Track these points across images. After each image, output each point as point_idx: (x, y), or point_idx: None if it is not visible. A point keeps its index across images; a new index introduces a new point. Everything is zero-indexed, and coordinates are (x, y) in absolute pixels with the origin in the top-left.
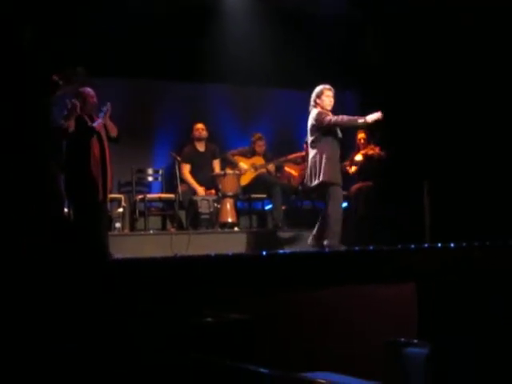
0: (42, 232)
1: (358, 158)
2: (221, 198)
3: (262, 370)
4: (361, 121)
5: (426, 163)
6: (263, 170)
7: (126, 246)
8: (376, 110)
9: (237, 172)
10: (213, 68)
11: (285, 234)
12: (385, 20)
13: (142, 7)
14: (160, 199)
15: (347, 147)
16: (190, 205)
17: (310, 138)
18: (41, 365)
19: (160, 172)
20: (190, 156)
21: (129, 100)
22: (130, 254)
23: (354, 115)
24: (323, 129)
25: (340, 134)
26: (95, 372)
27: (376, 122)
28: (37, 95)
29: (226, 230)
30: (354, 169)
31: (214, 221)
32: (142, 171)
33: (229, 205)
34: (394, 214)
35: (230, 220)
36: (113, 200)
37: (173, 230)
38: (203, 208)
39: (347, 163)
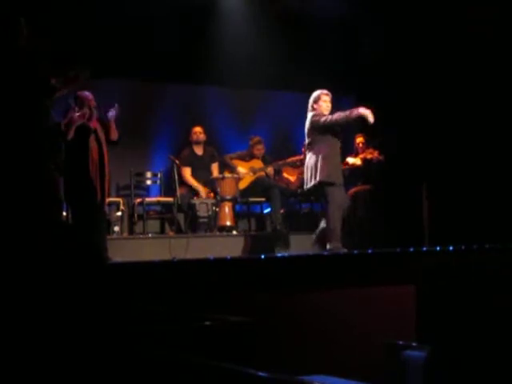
0: (41, 236)
1: (357, 161)
2: (219, 202)
3: (261, 373)
4: (355, 113)
5: (425, 166)
6: (262, 174)
7: (124, 249)
8: (373, 114)
9: (235, 175)
10: (211, 71)
11: (283, 237)
12: (383, 22)
13: (141, 9)
14: (158, 202)
15: (346, 151)
16: (189, 208)
17: (307, 141)
18: (37, 367)
19: (158, 175)
20: (188, 159)
21: (127, 102)
22: (128, 258)
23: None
24: (320, 129)
25: (339, 134)
26: (94, 375)
27: (364, 120)
28: (36, 97)
29: (225, 233)
30: (347, 166)
31: (212, 224)
32: (141, 174)
33: (227, 208)
34: (393, 217)
35: (228, 223)
36: (111, 203)
37: (171, 233)
38: (202, 211)
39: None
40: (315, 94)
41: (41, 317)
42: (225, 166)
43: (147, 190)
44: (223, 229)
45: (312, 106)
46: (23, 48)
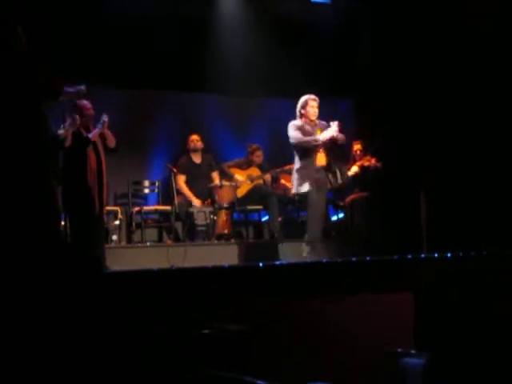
0: (39, 247)
1: (354, 169)
2: (217, 210)
3: (259, 381)
4: (314, 142)
5: (423, 173)
6: (259, 182)
7: (122, 258)
8: (371, 119)
9: (233, 183)
10: (208, 78)
11: (281, 245)
12: (379, 28)
13: (138, 18)
14: (156, 211)
15: (343, 158)
16: (187, 216)
17: None
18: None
19: (156, 184)
20: (185, 167)
21: (124, 111)
22: (126, 267)
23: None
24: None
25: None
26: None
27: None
28: (34, 104)
29: (223, 241)
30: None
31: (210, 232)
32: (139, 183)
33: (225, 216)
34: (391, 224)
35: (226, 231)
36: (109, 212)
37: (169, 241)
38: (200, 220)
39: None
40: (302, 99)
41: (39, 326)
42: (223, 174)
43: (145, 199)
44: (221, 237)
45: (300, 112)
46: (22, 55)
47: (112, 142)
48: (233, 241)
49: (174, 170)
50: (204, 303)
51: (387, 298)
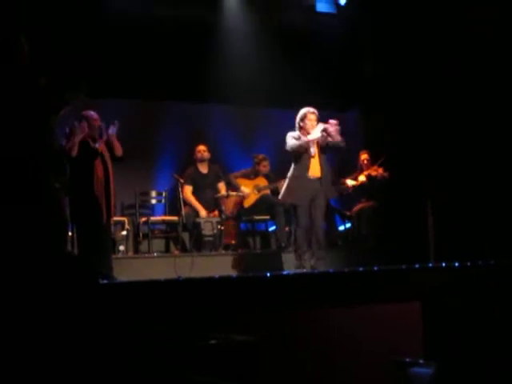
0: (44, 262)
1: (361, 178)
2: (224, 220)
3: None
4: (305, 145)
5: (430, 182)
6: (266, 192)
7: (130, 268)
8: (377, 129)
9: (240, 194)
10: (214, 89)
11: (289, 255)
12: (384, 36)
13: (144, 28)
14: (163, 221)
15: (350, 167)
16: (194, 227)
17: None
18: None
19: (163, 194)
20: (192, 177)
21: (130, 121)
22: (134, 277)
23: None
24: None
25: (312, 153)
26: None
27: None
28: (39, 115)
29: (230, 251)
30: (351, 183)
31: (217, 243)
32: (146, 194)
33: (232, 226)
34: (398, 233)
35: (233, 242)
36: (116, 223)
37: (176, 252)
38: (207, 230)
39: (349, 182)
40: (302, 112)
41: (37, 335)
42: (229, 185)
43: (152, 209)
44: (228, 247)
45: (298, 124)
46: (25, 65)
47: (119, 151)
48: (240, 251)
49: (181, 180)
50: (211, 313)
51: (395, 307)
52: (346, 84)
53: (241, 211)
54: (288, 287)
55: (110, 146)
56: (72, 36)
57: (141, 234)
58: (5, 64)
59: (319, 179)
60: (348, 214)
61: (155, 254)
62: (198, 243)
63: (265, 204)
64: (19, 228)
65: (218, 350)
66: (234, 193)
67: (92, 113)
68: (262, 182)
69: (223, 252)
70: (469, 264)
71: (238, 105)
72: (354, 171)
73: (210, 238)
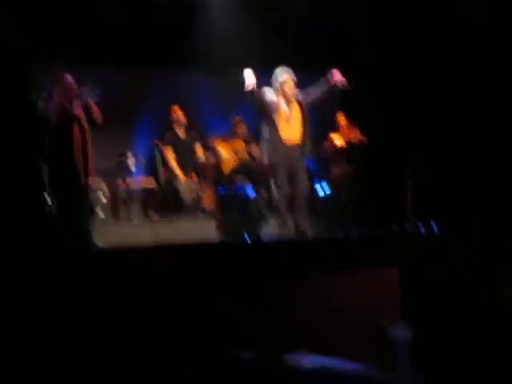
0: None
1: (339, 141)
2: (203, 185)
3: (249, 353)
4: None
5: (409, 147)
6: (245, 156)
7: (109, 234)
8: (357, 96)
9: (219, 159)
10: (193, 53)
11: (268, 221)
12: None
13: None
14: (142, 186)
15: (327, 128)
16: (172, 191)
17: None
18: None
19: (142, 159)
20: (170, 141)
21: (109, 87)
22: (113, 243)
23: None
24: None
25: (284, 112)
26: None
27: None
28: (21, 87)
29: (209, 216)
30: (330, 146)
31: (196, 207)
32: (123, 156)
33: (211, 191)
34: (376, 199)
35: (212, 207)
36: (94, 187)
37: (155, 216)
38: (185, 194)
39: (327, 144)
40: (280, 74)
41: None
42: (208, 149)
43: (131, 174)
44: (207, 212)
45: (274, 85)
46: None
47: (98, 116)
48: (219, 216)
49: (160, 144)
50: (190, 279)
51: (374, 273)
52: (326, 44)
53: (219, 175)
54: (268, 254)
55: (88, 111)
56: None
57: (119, 199)
58: None
59: (299, 143)
60: (327, 178)
61: (134, 219)
62: (178, 208)
63: (243, 168)
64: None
65: (201, 316)
66: (212, 158)
67: (68, 77)
68: (239, 145)
69: (202, 217)
70: (447, 231)
71: (216, 68)
72: (331, 131)
73: (189, 203)
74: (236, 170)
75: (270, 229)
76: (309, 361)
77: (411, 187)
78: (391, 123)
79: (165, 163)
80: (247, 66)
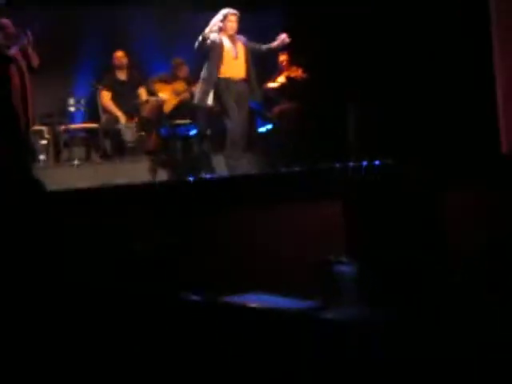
0: None
1: (281, 79)
2: (144, 126)
3: (191, 296)
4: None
5: (351, 82)
6: (186, 96)
7: (51, 177)
8: (297, 32)
9: (159, 99)
10: None
11: (211, 159)
12: None
13: None
14: (83, 129)
15: (270, 68)
16: (114, 134)
17: None
18: None
19: (82, 102)
20: (110, 84)
21: (49, 29)
22: (56, 186)
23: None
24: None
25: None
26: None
27: None
28: None
29: (152, 157)
30: (272, 85)
31: (139, 149)
32: (64, 101)
33: (153, 132)
34: (319, 134)
35: (154, 147)
36: (35, 132)
37: (98, 159)
38: (127, 136)
39: (269, 83)
40: (223, 11)
41: None
42: (149, 92)
43: (71, 117)
44: (150, 153)
45: (218, 25)
46: None
47: (36, 61)
48: (161, 156)
49: (100, 86)
50: (135, 219)
51: (317, 207)
52: None
53: (161, 116)
54: (211, 191)
55: (26, 55)
56: None
57: (61, 143)
58: None
59: (245, 81)
60: (269, 115)
61: (76, 162)
62: (120, 150)
63: (185, 108)
64: None
65: (140, 253)
66: (153, 98)
67: (5, 20)
68: (180, 86)
69: (145, 158)
70: (390, 162)
71: (154, 8)
72: (273, 72)
73: (131, 145)
74: (177, 110)
75: (213, 166)
76: (252, 300)
77: (353, 122)
78: (333, 59)
79: (104, 106)
80: (187, 8)
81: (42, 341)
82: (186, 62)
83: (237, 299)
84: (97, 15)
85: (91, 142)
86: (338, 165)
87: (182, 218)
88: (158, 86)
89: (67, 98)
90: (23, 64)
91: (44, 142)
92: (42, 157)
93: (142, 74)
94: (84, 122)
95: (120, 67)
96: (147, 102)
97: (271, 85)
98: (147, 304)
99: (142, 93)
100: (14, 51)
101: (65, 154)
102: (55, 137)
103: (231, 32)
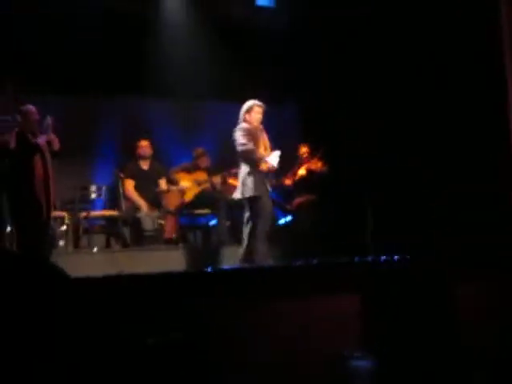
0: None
1: (302, 172)
2: (164, 215)
3: None
4: (258, 157)
5: (369, 176)
6: (207, 186)
7: (69, 264)
8: (315, 125)
9: (180, 188)
10: (155, 83)
11: (229, 250)
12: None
13: (80, 22)
14: (103, 216)
15: (290, 161)
16: (134, 222)
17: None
18: None
19: (103, 189)
20: (133, 173)
21: (71, 117)
22: (74, 273)
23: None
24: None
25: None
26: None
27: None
28: None
29: (170, 246)
30: (289, 181)
31: (158, 237)
32: (85, 188)
33: (172, 221)
34: (338, 227)
35: (173, 236)
36: (56, 218)
37: (117, 247)
38: (147, 225)
39: (289, 176)
40: (249, 103)
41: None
42: (170, 181)
43: (92, 204)
44: (169, 242)
45: (244, 116)
46: None
47: (56, 145)
48: (180, 245)
49: (121, 175)
50: (152, 309)
51: (334, 300)
52: (285, 76)
53: (182, 206)
54: (229, 282)
55: (50, 143)
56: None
57: (81, 229)
58: None
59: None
60: (288, 207)
61: (95, 250)
62: (139, 238)
63: (206, 198)
64: None
65: (154, 349)
66: (174, 187)
67: (30, 107)
68: (202, 176)
69: (164, 247)
70: (408, 257)
71: (176, 98)
72: (294, 165)
73: (151, 233)
74: (197, 200)
75: (230, 257)
76: None
77: (372, 216)
78: (353, 153)
79: (126, 194)
80: (208, 98)
81: None
82: (207, 152)
83: None
84: (119, 104)
85: (111, 230)
86: (356, 259)
87: (201, 309)
88: (179, 176)
89: (89, 185)
90: (46, 149)
91: (64, 227)
92: (61, 243)
93: (163, 163)
94: (104, 209)
95: (144, 157)
96: (168, 191)
97: (292, 177)
98: None
99: (163, 183)
100: (41, 141)
101: (84, 241)
102: (75, 223)
103: (256, 124)
